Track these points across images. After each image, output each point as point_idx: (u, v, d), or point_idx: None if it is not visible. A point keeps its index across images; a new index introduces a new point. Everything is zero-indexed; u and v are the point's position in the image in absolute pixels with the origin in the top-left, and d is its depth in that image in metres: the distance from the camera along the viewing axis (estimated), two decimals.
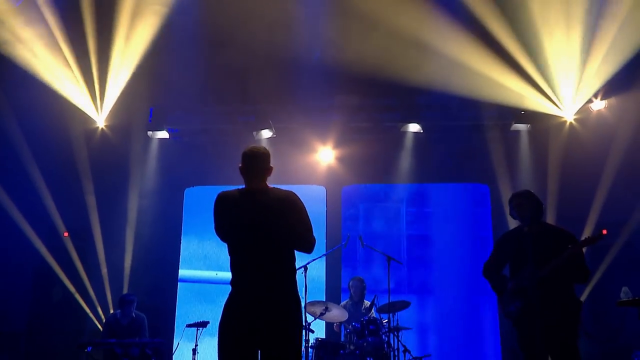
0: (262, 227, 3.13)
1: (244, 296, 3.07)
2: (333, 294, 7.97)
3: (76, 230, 7.99)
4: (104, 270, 7.77)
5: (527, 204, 4.18)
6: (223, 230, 3.24)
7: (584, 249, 4.16)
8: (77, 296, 7.66)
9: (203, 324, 6.44)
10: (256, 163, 3.37)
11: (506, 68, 7.69)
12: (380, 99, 8.43)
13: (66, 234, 8.06)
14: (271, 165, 3.43)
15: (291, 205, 3.24)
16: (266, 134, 8.27)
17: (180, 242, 8.33)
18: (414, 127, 8.16)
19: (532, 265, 3.96)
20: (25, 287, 7.94)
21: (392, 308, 6.32)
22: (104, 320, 7.42)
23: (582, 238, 4.07)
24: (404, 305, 6.36)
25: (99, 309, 7.81)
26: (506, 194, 8.01)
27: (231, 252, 3.21)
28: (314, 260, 6.36)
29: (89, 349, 5.86)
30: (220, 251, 7.59)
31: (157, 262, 8.13)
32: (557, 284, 3.95)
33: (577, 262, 3.99)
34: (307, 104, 8.41)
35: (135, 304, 6.52)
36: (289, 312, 3.08)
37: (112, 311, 7.47)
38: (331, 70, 8.08)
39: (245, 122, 8.38)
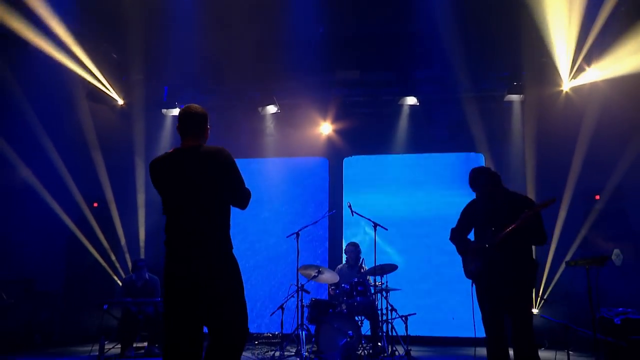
0: (192, 184, 2.98)
1: (178, 255, 2.95)
2: (335, 257, 8.33)
3: (100, 202, 8.54)
4: (123, 240, 8.33)
5: (489, 186, 4.30)
6: (160, 194, 3.09)
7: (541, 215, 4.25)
8: (102, 261, 8.25)
9: None
10: (190, 122, 3.16)
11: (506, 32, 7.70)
12: (378, 74, 8.57)
13: (95, 205, 8.64)
14: (208, 126, 3.22)
15: (221, 161, 3.02)
16: (271, 109, 8.56)
17: None
18: (411, 100, 8.30)
19: (492, 228, 4.17)
20: (60, 254, 8.61)
21: (380, 271, 6.61)
22: None
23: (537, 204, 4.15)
24: (392, 268, 6.62)
25: (122, 273, 8.39)
26: (500, 162, 8.16)
27: (165, 212, 3.06)
28: (306, 227, 6.71)
29: (105, 306, 6.35)
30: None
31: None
32: (515, 246, 4.09)
33: (534, 227, 4.09)
34: (308, 80, 8.60)
35: (147, 268, 6.96)
36: (221, 267, 2.94)
37: None
38: (332, 47, 8.29)
39: (251, 99, 8.67)
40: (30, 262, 8.17)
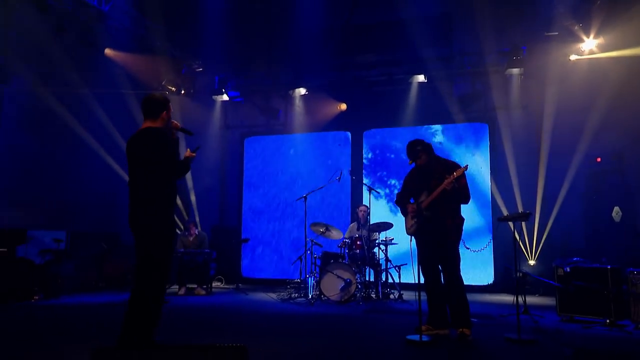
0: (134, 157, 3.51)
1: (129, 208, 3.51)
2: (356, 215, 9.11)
3: None
4: (181, 205, 9.74)
5: (424, 156, 4.67)
6: None
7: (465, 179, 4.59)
8: None
9: (245, 240, 7.99)
10: (146, 106, 3.58)
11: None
12: (390, 55, 9.02)
13: None
14: (165, 110, 3.56)
15: (153, 139, 3.45)
16: (300, 91, 9.39)
17: (243, 176, 9.99)
18: (420, 78, 8.75)
19: (426, 192, 4.65)
20: None
21: (377, 228, 7.35)
22: None
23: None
24: (388, 226, 7.33)
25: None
26: (502, 130, 8.43)
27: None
28: (312, 191, 7.55)
29: None
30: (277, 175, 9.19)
31: (224, 192, 9.96)
32: (442, 206, 4.53)
33: (459, 188, 4.46)
34: (332, 63, 9.29)
35: (194, 225, 8.21)
36: (144, 218, 3.42)
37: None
38: (351, 34, 8.94)
39: (284, 83, 9.55)
40: (122, 220, 9.80)
